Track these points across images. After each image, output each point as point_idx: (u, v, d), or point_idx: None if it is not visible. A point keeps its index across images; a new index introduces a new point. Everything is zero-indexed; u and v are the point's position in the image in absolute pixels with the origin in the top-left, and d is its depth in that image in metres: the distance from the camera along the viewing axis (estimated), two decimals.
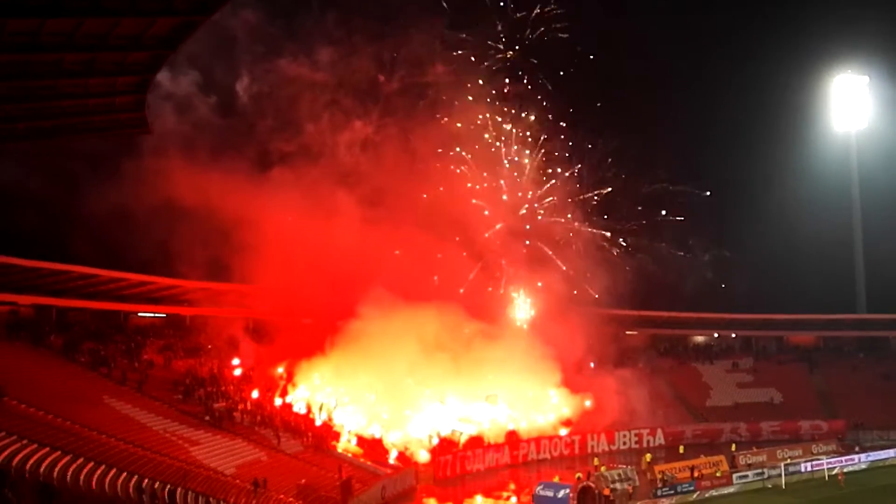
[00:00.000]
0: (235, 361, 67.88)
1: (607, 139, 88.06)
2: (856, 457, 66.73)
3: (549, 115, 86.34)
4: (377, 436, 64.82)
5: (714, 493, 56.42)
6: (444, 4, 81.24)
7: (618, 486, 54.89)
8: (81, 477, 34.13)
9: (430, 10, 78.67)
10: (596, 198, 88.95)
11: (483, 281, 77.33)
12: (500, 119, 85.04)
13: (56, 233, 59.23)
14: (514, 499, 57.82)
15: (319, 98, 74.01)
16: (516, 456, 69.71)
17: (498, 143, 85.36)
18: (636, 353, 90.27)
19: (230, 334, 70.26)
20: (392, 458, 62.82)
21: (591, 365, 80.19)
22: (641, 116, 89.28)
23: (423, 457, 64.39)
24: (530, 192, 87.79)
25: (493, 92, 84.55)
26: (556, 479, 55.82)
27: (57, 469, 33.48)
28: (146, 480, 37.25)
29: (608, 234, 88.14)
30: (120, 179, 58.37)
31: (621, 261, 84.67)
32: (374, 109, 77.88)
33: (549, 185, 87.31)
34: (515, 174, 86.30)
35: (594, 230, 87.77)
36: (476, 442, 68.49)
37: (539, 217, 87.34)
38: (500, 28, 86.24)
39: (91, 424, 44.55)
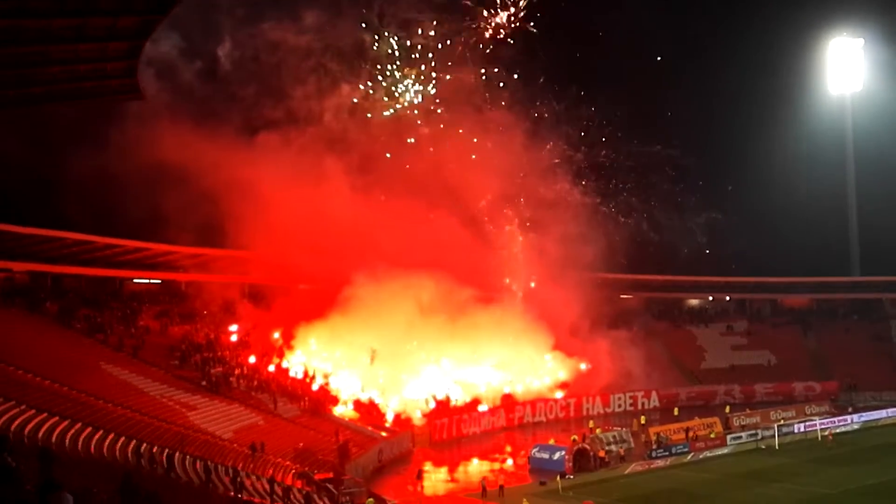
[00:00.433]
0: (233, 328, 68.04)
1: (601, 102, 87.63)
2: (848, 417, 67.42)
3: (541, 78, 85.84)
4: (374, 400, 65.18)
5: (708, 454, 56.96)
6: None
7: (613, 447, 55.48)
8: (80, 441, 34.34)
9: None
10: (588, 161, 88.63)
11: (477, 246, 77.15)
12: (491, 81, 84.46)
13: (44, 199, 59.12)
14: (510, 461, 58.32)
15: (304, 63, 73.61)
16: (512, 419, 70.24)
17: (488, 107, 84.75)
18: (631, 316, 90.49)
19: (226, 300, 70.41)
20: (389, 422, 63.24)
21: (587, 329, 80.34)
22: (636, 80, 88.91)
23: (419, 420, 64.85)
24: (523, 157, 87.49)
25: (486, 52, 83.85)
26: (551, 442, 56.40)
27: (56, 434, 33.67)
28: (144, 445, 37.48)
29: (601, 198, 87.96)
30: (107, 145, 58.07)
31: (615, 225, 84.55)
32: (363, 73, 77.31)
33: (541, 149, 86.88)
34: (507, 138, 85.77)
35: (587, 194, 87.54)
36: (472, 405, 69.00)
37: (532, 182, 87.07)
38: None
39: (88, 390, 44.78)
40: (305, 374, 65.33)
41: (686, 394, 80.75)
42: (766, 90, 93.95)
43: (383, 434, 59.84)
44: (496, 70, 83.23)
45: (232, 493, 33.29)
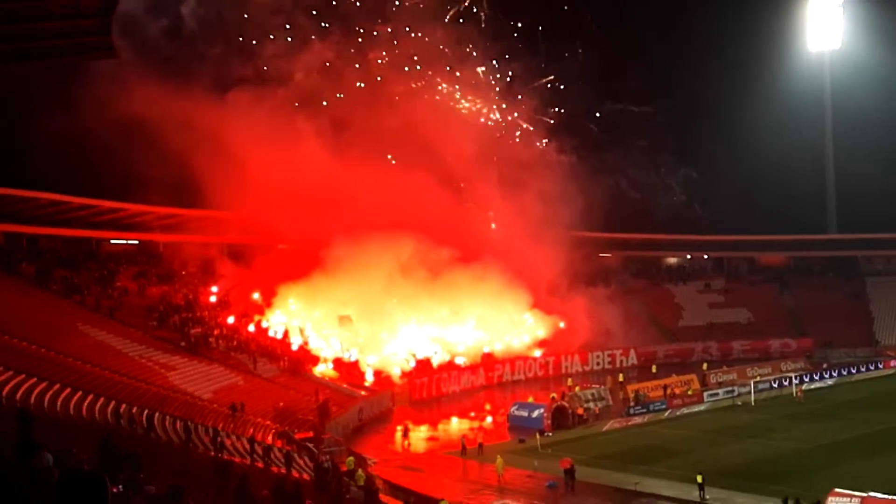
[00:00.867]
0: (214, 289, 67.78)
1: (573, 59, 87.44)
2: (823, 374, 68.33)
3: (515, 33, 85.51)
4: (353, 359, 65.30)
5: (685, 410, 57.58)
6: None
7: (591, 405, 55.98)
8: (59, 403, 34.21)
9: None
10: (563, 119, 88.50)
11: (455, 206, 77.07)
12: (462, 40, 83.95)
13: (16, 159, 58.29)
14: (489, 419, 58.72)
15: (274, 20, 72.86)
16: (491, 377, 70.62)
17: (461, 65, 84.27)
18: (609, 274, 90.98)
19: (204, 260, 70.07)
20: (368, 381, 63.43)
21: (565, 287, 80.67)
22: (610, 37, 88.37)
23: (399, 379, 65.09)
24: (497, 114, 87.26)
25: (455, 10, 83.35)
26: (530, 400, 56.78)
27: (34, 395, 33.50)
28: (124, 406, 37.39)
29: (577, 156, 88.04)
30: (77, 104, 57.00)
31: (592, 183, 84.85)
32: (334, 30, 76.54)
33: (515, 108, 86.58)
34: (479, 95, 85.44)
35: (564, 153, 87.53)
36: (451, 364, 69.32)
37: (508, 140, 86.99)
38: None
39: (66, 351, 44.54)
40: (286, 333, 65.29)
41: (664, 351, 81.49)
42: (745, 47, 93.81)
43: (363, 393, 60.04)
44: (468, 28, 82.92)
45: (212, 453, 33.33)
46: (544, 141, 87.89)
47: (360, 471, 37.80)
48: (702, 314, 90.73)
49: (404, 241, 67.65)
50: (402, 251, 68.27)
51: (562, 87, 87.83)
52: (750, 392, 60.28)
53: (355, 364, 64.79)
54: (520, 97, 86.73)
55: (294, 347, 63.58)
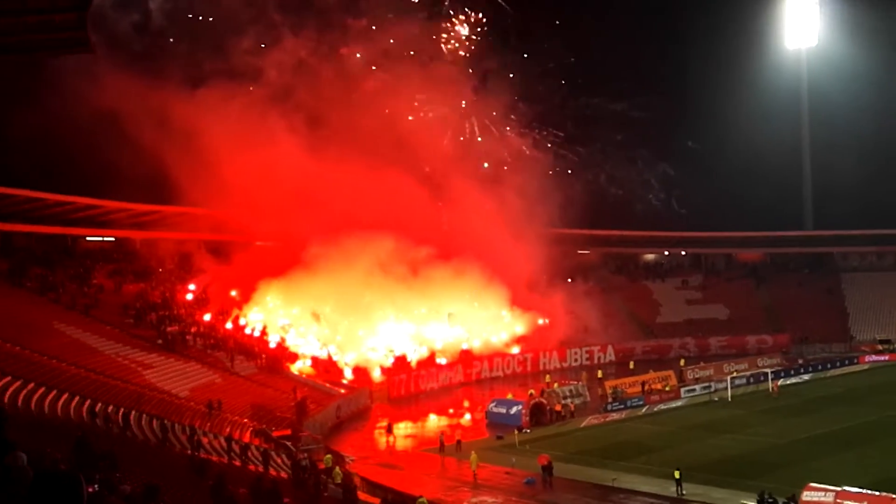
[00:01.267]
0: (191, 287, 67.39)
1: (549, 54, 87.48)
2: (799, 369, 68.84)
3: (486, 28, 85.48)
4: (332, 356, 65.13)
5: (663, 406, 57.85)
6: None
7: (569, 401, 56.15)
8: (33, 402, 33.93)
9: None
10: (538, 115, 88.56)
11: (432, 204, 76.91)
12: (435, 36, 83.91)
13: None
14: (467, 416, 58.76)
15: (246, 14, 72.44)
16: (470, 374, 70.67)
17: (434, 60, 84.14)
18: (588, 271, 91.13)
19: (181, 257, 69.64)
20: (347, 379, 63.29)
21: (543, 284, 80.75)
22: (586, 34, 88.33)
23: (377, 376, 65.00)
24: (472, 114, 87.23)
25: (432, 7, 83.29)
26: (508, 397, 56.87)
27: (8, 394, 33.20)
28: (99, 404, 37.16)
29: (554, 153, 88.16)
30: (49, 100, 56.37)
31: (571, 180, 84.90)
32: (308, 24, 76.16)
33: (490, 104, 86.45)
34: (456, 91, 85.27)
35: (541, 149, 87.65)
36: (430, 361, 69.29)
37: (485, 136, 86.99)
38: None
39: (42, 350, 44.18)
40: (263, 331, 65.03)
41: (642, 347, 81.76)
42: (722, 45, 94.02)
43: (341, 391, 59.90)
44: (443, 24, 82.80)
45: (189, 452, 33.14)
46: (521, 137, 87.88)
47: (337, 468, 37.77)
48: (679, 311, 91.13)
49: (382, 238, 67.50)
50: (380, 248, 68.11)
51: (539, 85, 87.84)
52: (727, 388, 60.58)
53: (333, 361, 64.60)
54: (495, 93, 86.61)
55: (272, 345, 63.35)
